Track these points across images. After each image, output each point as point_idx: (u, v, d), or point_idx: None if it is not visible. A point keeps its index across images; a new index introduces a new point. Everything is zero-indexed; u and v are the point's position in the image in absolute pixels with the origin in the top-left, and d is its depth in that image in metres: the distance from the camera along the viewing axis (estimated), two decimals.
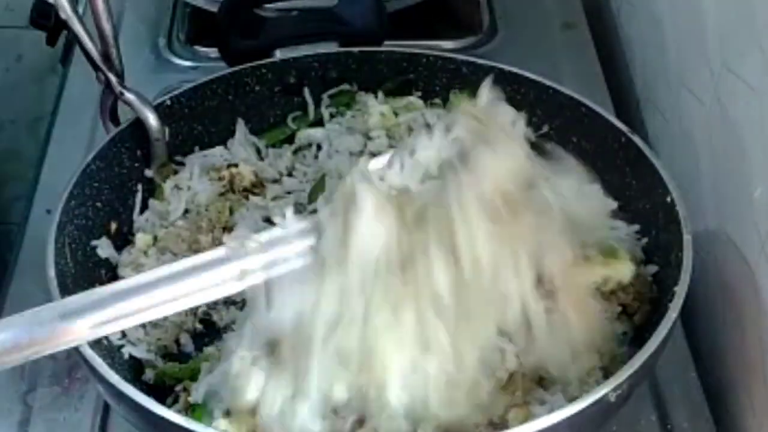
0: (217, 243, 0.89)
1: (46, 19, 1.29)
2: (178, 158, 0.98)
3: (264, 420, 0.75)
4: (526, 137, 0.79)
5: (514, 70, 0.99)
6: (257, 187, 0.97)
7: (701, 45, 0.98)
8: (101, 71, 0.91)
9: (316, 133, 1.01)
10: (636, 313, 0.85)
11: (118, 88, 0.92)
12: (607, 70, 1.22)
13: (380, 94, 1.03)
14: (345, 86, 1.03)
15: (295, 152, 1.01)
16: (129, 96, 0.92)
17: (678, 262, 0.81)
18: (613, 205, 0.92)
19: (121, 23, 1.28)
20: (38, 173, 1.11)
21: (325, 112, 1.02)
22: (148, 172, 0.96)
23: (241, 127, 1.01)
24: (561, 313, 0.77)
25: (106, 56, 0.90)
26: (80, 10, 0.91)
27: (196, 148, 1.00)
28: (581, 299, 0.79)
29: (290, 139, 1.02)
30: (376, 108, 1.00)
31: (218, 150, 1.00)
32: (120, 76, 0.92)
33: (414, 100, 1.02)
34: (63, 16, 0.86)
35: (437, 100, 1.03)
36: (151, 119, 0.93)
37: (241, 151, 1.00)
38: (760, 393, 0.85)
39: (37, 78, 1.73)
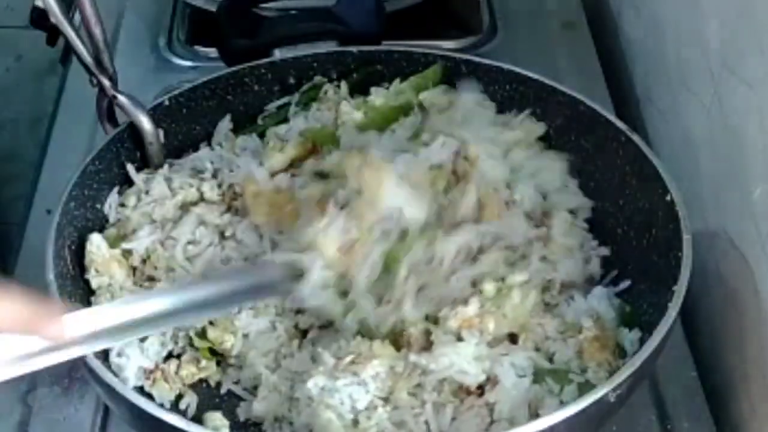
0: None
1: (46, 19, 1.29)
2: (174, 161, 0.98)
3: None
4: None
5: (514, 69, 0.99)
6: None
7: (701, 45, 0.98)
8: (94, 75, 0.91)
9: (279, 129, 1.00)
10: None
11: (110, 92, 0.92)
12: (607, 70, 1.22)
13: (343, 85, 1.02)
14: (318, 79, 1.03)
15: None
16: (122, 99, 0.92)
17: (678, 262, 0.81)
18: (589, 203, 0.93)
19: (121, 23, 1.28)
20: (38, 173, 1.11)
21: (292, 108, 1.02)
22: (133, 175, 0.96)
23: (224, 126, 1.01)
24: None
25: (98, 61, 0.90)
26: (77, 15, 0.91)
27: (191, 150, 1.00)
28: None
29: None
30: (351, 114, 1.00)
31: (205, 152, 1.00)
32: (113, 80, 0.92)
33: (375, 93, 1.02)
34: (53, 20, 0.86)
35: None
36: (145, 123, 0.93)
37: (225, 153, 0.99)
38: (760, 393, 0.85)
39: (37, 78, 1.73)
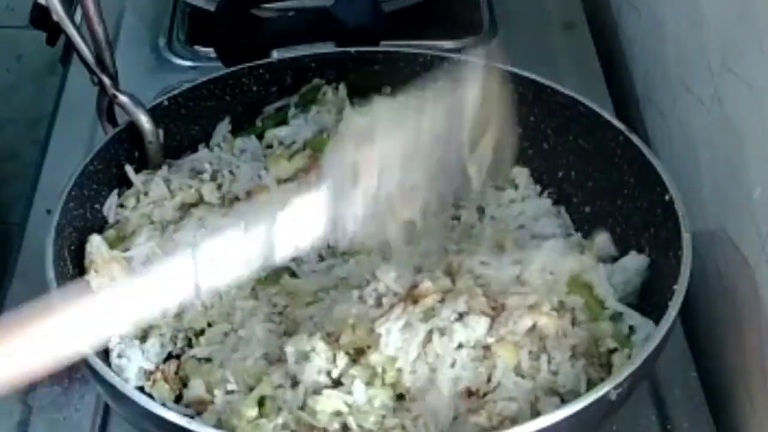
0: None
1: (46, 19, 1.29)
2: (172, 161, 0.98)
3: None
4: None
5: (513, 69, 0.98)
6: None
7: (701, 45, 0.98)
8: (95, 74, 0.91)
9: (280, 131, 1.00)
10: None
11: (111, 91, 0.92)
12: (607, 70, 1.22)
13: (342, 87, 1.02)
14: (316, 81, 1.03)
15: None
16: (122, 99, 0.92)
17: (677, 261, 0.81)
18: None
19: (121, 23, 1.28)
20: (38, 173, 1.11)
21: (291, 110, 1.02)
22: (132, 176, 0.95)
23: (223, 128, 1.01)
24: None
25: (99, 59, 0.90)
26: (78, 14, 0.91)
27: (189, 151, 1.00)
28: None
29: None
30: (353, 119, 1.00)
31: (204, 153, 1.00)
32: (113, 79, 0.91)
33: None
34: (55, 18, 0.86)
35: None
36: (144, 122, 0.93)
37: (224, 155, 0.99)
38: (760, 393, 0.85)
39: (37, 78, 1.73)
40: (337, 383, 0.80)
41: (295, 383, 0.80)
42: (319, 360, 0.80)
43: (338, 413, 0.78)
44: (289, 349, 0.81)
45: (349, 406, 0.78)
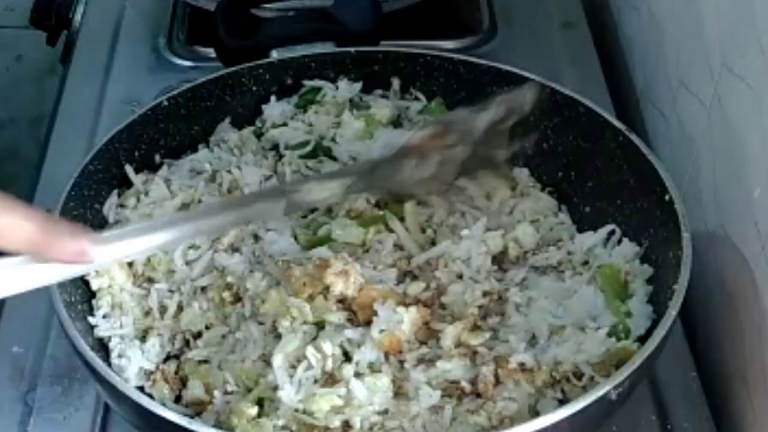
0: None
1: (46, 19, 1.29)
2: (172, 161, 0.98)
3: None
4: None
5: (512, 69, 0.99)
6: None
7: (701, 45, 0.98)
8: None
9: (275, 132, 1.00)
10: None
11: None
12: (607, 70, 1.22)
13: (344, 82, 1.02)
14: (317, 82, 1.03)
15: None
16: None
17: (677, 260, 0.81)
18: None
19: (121, 23, 1.28)
20: (38, 173, 1.11)
21: (291, 111, 1.02)
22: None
23: (223, 128, 1.01)
24: None
25: None
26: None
27: (189, 151, 1.00)
28: None
29: None
30: (351, 124, 1.00)
31: (204, 153, 0.99)
32: None
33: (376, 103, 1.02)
34: None
35: (419, 94, 1.03)
36: None
37: (224, 155, 0.99)
38: (760, 393, 0.85)
39: (37, 78, 1.73)
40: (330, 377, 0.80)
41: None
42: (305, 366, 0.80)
43: (337, 410, 0.78)
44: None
45: (345, 400, 0.78)
